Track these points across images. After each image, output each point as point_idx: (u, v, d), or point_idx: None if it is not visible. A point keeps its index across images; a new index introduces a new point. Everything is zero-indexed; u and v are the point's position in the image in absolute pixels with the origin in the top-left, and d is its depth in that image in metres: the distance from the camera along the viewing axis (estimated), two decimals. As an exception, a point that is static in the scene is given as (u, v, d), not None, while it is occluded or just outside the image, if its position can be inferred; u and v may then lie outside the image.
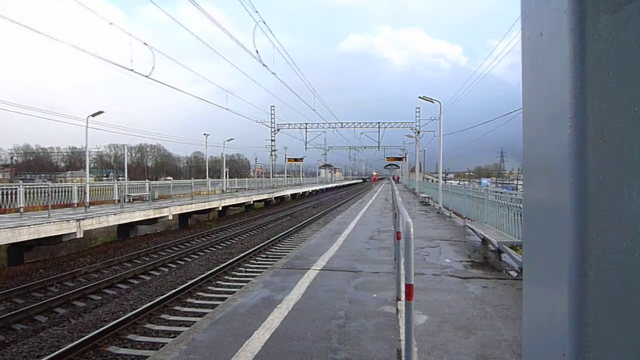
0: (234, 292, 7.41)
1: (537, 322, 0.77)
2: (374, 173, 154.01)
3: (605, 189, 0.62)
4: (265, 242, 16.44)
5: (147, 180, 30.42)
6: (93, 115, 25.26)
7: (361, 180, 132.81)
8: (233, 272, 12.14)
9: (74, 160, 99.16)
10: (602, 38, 0.62)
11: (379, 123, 50.23)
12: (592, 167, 0.62)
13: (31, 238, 12.61)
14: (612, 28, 0.61)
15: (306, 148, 53.94)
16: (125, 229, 19.32)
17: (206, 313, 6.23)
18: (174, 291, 9.66)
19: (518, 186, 62.61)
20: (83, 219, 14.77)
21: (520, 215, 8.18)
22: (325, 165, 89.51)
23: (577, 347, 0.63)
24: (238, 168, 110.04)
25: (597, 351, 0.62)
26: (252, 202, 33.84)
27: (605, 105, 0.62)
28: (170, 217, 20.95)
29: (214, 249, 16.57)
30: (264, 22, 20.08)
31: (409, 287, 3.44)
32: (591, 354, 0.62)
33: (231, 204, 29.53)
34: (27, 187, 18.22)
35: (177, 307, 9.00)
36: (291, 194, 47.77)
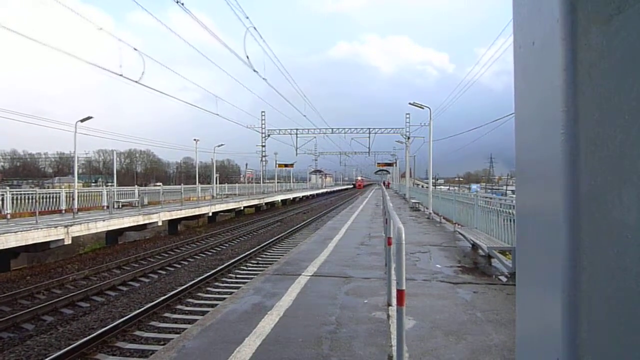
0: (225, 298, 7.37)
1: (531, 327, 0.78)
2: (359, 178, 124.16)
3: (598, 195, 0.63)
4: (255, 248, 16.37)
5: (136, 186, 30.14)
6: (82, 121, 24.98)
7: (352, 186, 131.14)
8: (223, 279, 12.06)
9: (62, 166, 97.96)
10: (593, 48, 0.63)
11: (369, 129, 50.35)
12: (584, 173, 0.63)
13: (18, 245, 12.42)
14: (603, 38, 0.63)
15: (297, 154, 53.90)
16: (114, 235, 19.12)
17: (196, 320, 6.18)
18: (163, 298, 9.56)
19: (507, 192, 63.17)
20: (71, 225, 14.59)
21: (510, 220, 8.25)
22: (316, 171, 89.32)
23: (570, 352, 0.64)
24: (228, 174, 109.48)
25: (590, 356, 0.63)
26: (242, 208, 33.71)
27: (597, 113, 0.63)
28: (160, 223, 20.78)
29: (204, 255, 16.46)
30: (255, 28, 20.11)
31: (400, 293, 3.45)
32: (585, 359, 0.63)
33: (221, 209, 29.39)
34: (14, 193, 17.99)
35: (166, 314, 8.91)
36: (282, 200, 47.66)
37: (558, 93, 0.65)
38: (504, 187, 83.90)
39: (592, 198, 0.63)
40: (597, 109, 0.63)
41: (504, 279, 7.22)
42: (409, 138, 39.78)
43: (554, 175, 0.67)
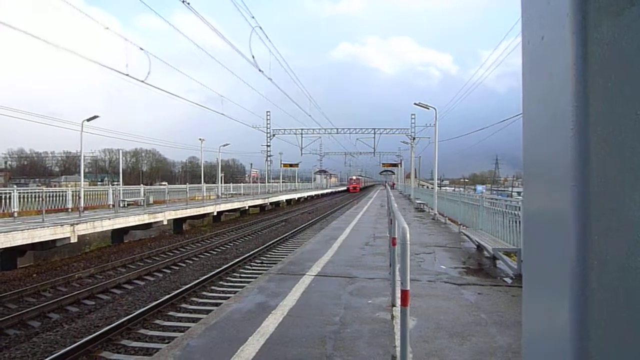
0: (229, 297, 7.37)
1: (538, 327, 0.77)
2: (354, 177, 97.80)
3: (608, 192, 0.62)
4: (260, 248, 16.39)
5: (142, 185, 30.26)
6: (88, 120, 25.15)
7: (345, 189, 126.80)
8: (228, 278, 12.08)
9: (69, 165, 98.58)
10: (604, 41, 0.62)
11: (374, 129, 50.34)
12: (594, 170, 0.62)
13: (25, 243, 12.50)
14: (615, 31, 0.62)
15: (302, 154, 54.03)
16: (119, 234, 19.19)
17: (200, 318, 6.18)
18: (168, 296, 9.59)
19: (513, 193, 62.86)
20: (77, 224, 14.67)
21: (516, 222, 8.20)
22: (321, 171, 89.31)
23: (578, 353, 0.62)
24: (233, 173, 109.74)
25: (599, 356, 0.62)
26: (247, 208, 33.76)
27: (608, 108, 0.62)
28: (165, 222, 20.85)
29: (208, 255, 16.49)
30: (260, 28, 20.16)
31: (404, 293, 3.43)
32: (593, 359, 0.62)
33: (226, 209, 29.44)
34: (21, 191, 18.11)
35: (171, 313, 8.94)
36: (286, 200, 47.66)
37: (568, 88, 0.64)
38: (510, 189, 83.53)
39: (601, 195, 0.62)
40: (608, 104, 0.62)
41: (509, 281, 7.18)
42: (414, 139, 39.72)
43: (563, 172, 0.65)
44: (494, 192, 73.27)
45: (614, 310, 0.62)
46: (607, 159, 0.62)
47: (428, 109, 21.67)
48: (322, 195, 70.20)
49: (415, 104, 22.01)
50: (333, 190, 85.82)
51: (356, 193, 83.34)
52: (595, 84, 0.62)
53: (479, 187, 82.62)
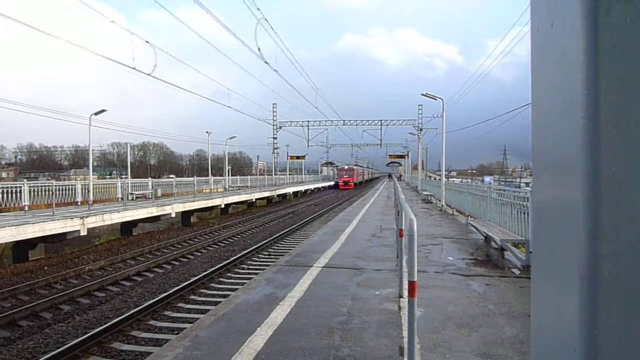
0: (237, 289, 7.42)
1: (547, 318, 0.76)
2: (345, 167, 73.36)
3: (619, 181, 0.61)
4: (267, 240, 16.47)
5: (150, 178, 30.42)
6: (96, 114, 25.21)
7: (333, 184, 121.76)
8: (235, 270, 12.16)
9: (77, 159, 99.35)
10: (616, 26, 0.60)
11: (381, 121, 50.21)
12: (605, 159, 0.61)
13: (36, 236, 12.67)
14: (627, 16, 0.60)
15: (308, 146, 54.06)
16: (128, 227, 19.36)
17: (209, 310, 6.24)
18: (177, 288, 9.68)
19: (521, 184, 62.43)
20: (87, 217, 14.82)
21: (524, 213, 8.15)
22: (328, 163, 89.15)
23: (588, 343, 0.62)
24: (240, 166, 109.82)
25: (609, 345, 0.61)
26: (254, 200, 33.86)
27: (619, 95, 0.61)
28: (173, 215, 20.99)
29: (216, 247, 16.60)
30: (266, 20, 20.07)
31: (412, 284, 3.43)
32: (603, 349, 0.61)
33: (233, 201, 29.57)
34: (31, 185, 18.30)
35: (180, 304, 9.03)
36: (293, 192, 47.73)
37: (578, 75, 0.63)
38: (518, 180, 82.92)
39: (613, 184, 0.61)
40: (619, 91, 0.61)
41: (517, 272, 7.16)
42: (421, 130, 39.52)
43: (573, 161, 0.64)
44: (502, 183, 72.80)
45: (624, 301, 0.61)
46: (619, 146, 0.61)
47: (435, 99, 21.51)
48: (329, 187, 70.11)
49: (422, 94, 21.86)
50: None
51: (350, 190, 61.85)
52: (606, 70, 0.61)
53: (487, 178, 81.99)
